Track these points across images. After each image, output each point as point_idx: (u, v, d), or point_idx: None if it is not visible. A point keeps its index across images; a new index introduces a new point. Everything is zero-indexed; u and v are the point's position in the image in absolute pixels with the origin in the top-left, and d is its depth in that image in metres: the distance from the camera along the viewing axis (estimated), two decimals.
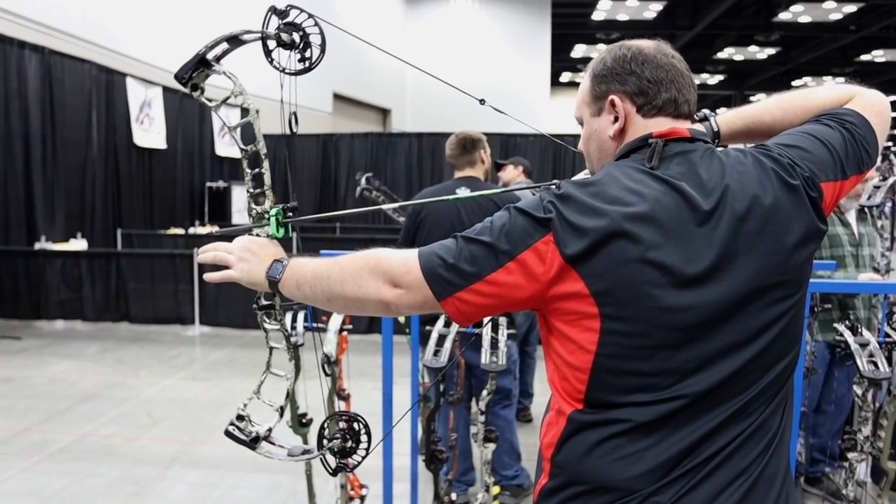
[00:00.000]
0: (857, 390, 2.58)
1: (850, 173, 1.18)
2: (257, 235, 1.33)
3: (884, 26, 18.15)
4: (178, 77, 1.31)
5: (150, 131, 9.87)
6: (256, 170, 1.35)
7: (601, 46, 21.86)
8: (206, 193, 11.36)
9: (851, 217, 3.33)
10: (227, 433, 1.34)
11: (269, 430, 1.36)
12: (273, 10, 1.29)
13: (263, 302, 1.37)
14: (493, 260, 1.06)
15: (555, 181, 1.12)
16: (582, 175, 1.33)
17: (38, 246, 7.62)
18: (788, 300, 1.09)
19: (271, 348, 1.41)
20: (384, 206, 3.48)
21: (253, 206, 1.36)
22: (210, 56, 1.31)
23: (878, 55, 21.90)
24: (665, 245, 1.02)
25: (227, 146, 12.12)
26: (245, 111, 1.35)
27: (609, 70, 1.17)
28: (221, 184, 11.50)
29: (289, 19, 1.29)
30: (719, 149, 1.16)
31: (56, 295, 7.36)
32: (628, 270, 1.02)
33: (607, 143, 1.19)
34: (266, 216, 1.34)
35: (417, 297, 1.10)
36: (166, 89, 10.14)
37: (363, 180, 5.20)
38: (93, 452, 4.01)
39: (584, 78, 1.24)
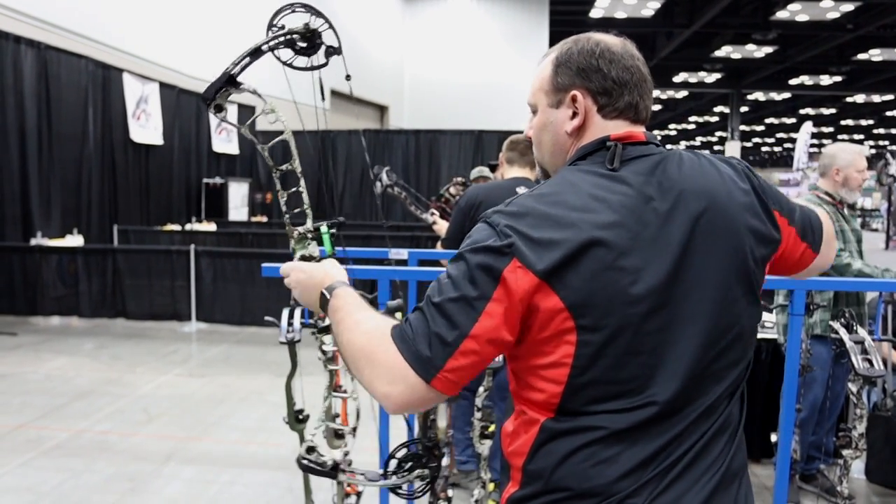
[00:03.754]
0: (852, 388, 2.59)
1: (793, 226, 1.22)
2: (310, 257, 1.32)
3: (881, 25, 18.17)
4: (204, 98, 1.29)
5: (146, 127, 9.85)
6: (293, 189, 1.32)
7: None
8: (202, 189, 11.36)
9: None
10: (303, 467, 1.32)
11: (346, 454, 1.34)
12: (287, 9, 1.28)
13: (322, 324, 1.35)
14: (471, 311, 1.00)
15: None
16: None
17: (33, 242, 7.61)
18: (748, 296, 1.11)
19: (331, 371, 1.38)
20: (431, 219, 3.38)
21: (293, 228, 1.34)
22: (235, 72, 1.28)
23: (875, 54, 21.92)
24: (634, 249, 1.02)
25: (223, 142, 12.10)
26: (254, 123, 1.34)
27: (575, 62, 1.13)
28: (218, 180, 11.49)
29: (285, 18, 1.29)
30: (670, 149, 1.16)
31: (52, 291, 7.34)
32: (604, 279, 1.00)
33: (563, 138, 1.16)
34: (309, 235, 1.31)
35: (416, 392, 1.03)
36: (163, 85, 10.12)
37: (384, 175, 4.45)
38: (89, 449, 4.01)
39: (546, 64, 1.18)
